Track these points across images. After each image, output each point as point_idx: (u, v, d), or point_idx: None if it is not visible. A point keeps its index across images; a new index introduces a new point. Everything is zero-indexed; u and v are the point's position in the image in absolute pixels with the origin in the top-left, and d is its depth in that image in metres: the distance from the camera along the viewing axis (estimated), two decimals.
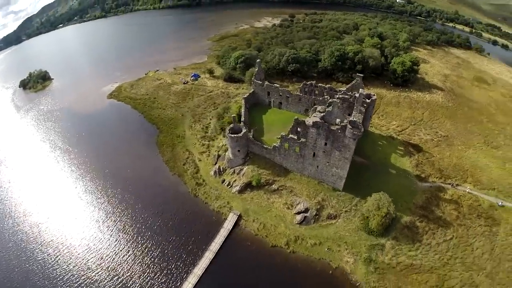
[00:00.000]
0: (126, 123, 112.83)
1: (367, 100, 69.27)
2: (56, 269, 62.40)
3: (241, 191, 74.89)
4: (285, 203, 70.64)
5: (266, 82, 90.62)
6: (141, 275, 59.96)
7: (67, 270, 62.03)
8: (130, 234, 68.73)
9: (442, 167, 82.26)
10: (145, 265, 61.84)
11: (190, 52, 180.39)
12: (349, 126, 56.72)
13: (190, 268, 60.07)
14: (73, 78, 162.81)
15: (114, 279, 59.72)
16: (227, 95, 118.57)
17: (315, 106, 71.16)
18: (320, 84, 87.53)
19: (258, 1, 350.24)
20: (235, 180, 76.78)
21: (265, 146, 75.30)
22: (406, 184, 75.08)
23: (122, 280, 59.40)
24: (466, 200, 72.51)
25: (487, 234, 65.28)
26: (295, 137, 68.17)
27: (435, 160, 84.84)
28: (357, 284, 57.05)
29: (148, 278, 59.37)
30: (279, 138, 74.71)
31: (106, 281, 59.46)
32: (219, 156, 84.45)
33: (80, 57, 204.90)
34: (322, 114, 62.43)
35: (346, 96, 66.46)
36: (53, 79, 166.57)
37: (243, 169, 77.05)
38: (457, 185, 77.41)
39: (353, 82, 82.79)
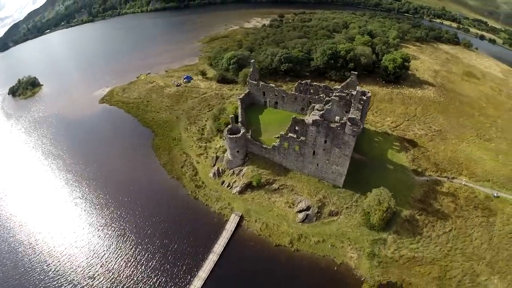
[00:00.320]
0: (120, 127, 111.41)
1: (364, 97, 69.99)
2: (57, 279, 60.89)
3: (241, 191, 74.75)
4: (286, 202, 70.86)
5: (262, 82, 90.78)
6: (145, 281, 59.00)
7: (68, 280, 60.44)
8: (131, 240, 67.54)
9: (438, 161, 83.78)
10: (149, 270, 60.90)
11: (180, 54, 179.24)
12: (348, 123, 57.28)
13: (194, 272, 59.43)
14: (63, 84, 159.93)
15: (119, 287, 58.70)
16: (221, 96, 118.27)
17: (312, 105, 71.61)
18: (315, 83, 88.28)
19: (246, 1, 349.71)
20: (235, 181, 76.61)
21: (265, 146, 75.32)
22: (403, 178, 76.25)
23: (127, 287, 58.48)
24: (462, 192, 74.06)
25: (485, 225, 66.80)
26: (295, 136, 68.41)
27: (430, 154, 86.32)
28: (362, 279, 57.61)
29: (153, 283, 58.48)
30: (277, 137, 75.06)
31: None
32: (217, 157, 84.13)
33: (69, 62, 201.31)
34: (321, 112, 62.85)
35: (342, 94, 67.05)
36: (42, 85, 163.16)
37: (242, 169, 76.95)
38: (453, 178, 78.95)
39: (348, 80, 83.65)
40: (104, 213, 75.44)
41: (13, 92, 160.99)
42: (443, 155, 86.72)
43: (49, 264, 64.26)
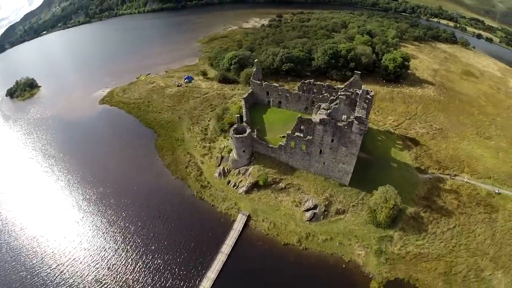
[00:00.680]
0: (121, 128, 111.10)
1: (368, 96, 70.76)
2: (60, 284, 60.00)
3: (248, 191, 75.03)
4: (293, 201, 71.35)
5: (265, 82, 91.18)
6: (153, 283, 58.61)
7: (73, 284, 59.66)
8: (137, 242, 67.09)
9: (440, 159, 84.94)
10: (156, 272, 60.42)
11: (180, 55, 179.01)
12: (355, 121, 57.90)
13: (203, 272, 59.32)
14: (62, 85, 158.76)
15: None
16: (223, 96, 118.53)
17: (318, 104, 72.07)
18: (318, 82, 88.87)
19: (244, 2, 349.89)
20: (241, 181, 76.88)
21: (271, 145, 75.57)
22: (407, 176, 77.27)
23: None
24: (465, 190, 75.21)
25: (487, 221, 68.05)
26: (302, 135, 68.89)
27: (433, 152, 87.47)
28: (370, 276, 58.30)
29: (160, 285, 58.17)
30: (282, 136, 75.50)
31: None
32: (222, 157, 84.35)
33: (67, 64, 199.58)
34: (328, 111, 63.38)
35: (348, 93, 67.66)
36: (40, 86, 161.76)
37: (248, 169, 77.24)
38: (455, 175, 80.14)
39: (351, 79, 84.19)
40: (108, 214, 74.89)
41: (11, 93, 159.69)
42: (444, 153, 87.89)
43: (52, 267, 63.41)
